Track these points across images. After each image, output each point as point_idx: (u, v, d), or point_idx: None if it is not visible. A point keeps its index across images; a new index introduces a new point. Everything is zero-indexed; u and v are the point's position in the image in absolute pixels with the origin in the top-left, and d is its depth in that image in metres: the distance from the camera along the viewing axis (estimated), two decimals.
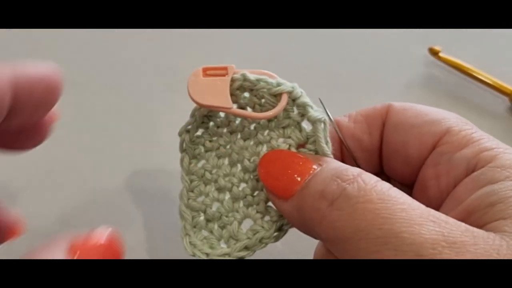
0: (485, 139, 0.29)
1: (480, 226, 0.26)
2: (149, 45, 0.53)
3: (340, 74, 0.51)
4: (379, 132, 0.33)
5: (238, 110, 0.31)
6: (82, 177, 0.44)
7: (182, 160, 0.33)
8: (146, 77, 0.50)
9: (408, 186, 0.33)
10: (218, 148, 0.33)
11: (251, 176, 0.32)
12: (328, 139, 0.31)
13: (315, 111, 0.31)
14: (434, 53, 0.52)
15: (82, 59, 0.51)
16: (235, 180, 0.32)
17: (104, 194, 0.43)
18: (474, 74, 0.50)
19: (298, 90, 0.30)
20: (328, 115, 0.33)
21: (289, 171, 0.29)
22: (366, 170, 0.32)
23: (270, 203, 0.32)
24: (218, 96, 0.30)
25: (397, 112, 0.32)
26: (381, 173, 0.34)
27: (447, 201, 0.29)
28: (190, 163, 0.33)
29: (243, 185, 0.32)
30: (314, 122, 0.30)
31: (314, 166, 0.29)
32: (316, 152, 0.31)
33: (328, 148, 0.31)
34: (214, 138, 0.33)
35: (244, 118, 0.32)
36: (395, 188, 0.27)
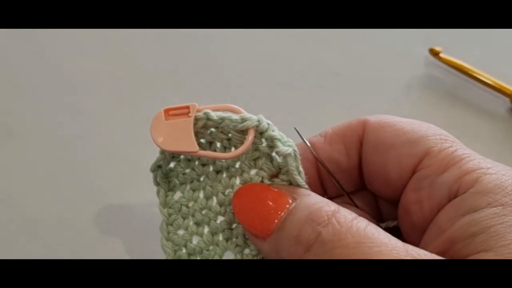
0: (467, 159, 0.29)
1: (463, 257, 0.26)
2: (148, 45, 0.53)
3: (339, 75, 0.51)
4: (357, 152, 0.32)
5: (204, 152, 0.31)
6: (81, 177, 0.44)
7: (158, 192, 0.33)
8: (145, 78, 0.50)
9: (393, 202, 0.33)
10: (192, 181, 0.33)
11: (227, 209, 0.32)
12: (301, 168, 0.30)
13: (284, 143, 0.30)
14: (434, 53, 0.51)
15: (82, 60, 0.51)
16: (211, 214, 0.32)
17: (103, 195, 0.43)
18: (475, 75, 0.50)
19: (264, 123, 0.30)
20: (305, 143, 0.32)
21: (264, 209, 0.29)
22: (347, 189, 0.33)
23: None
24: (183, 139, 0.30)
25: (374, 130, 0.32)
26: (364, 188, 0.34)
27: (431, 227, 0.29)
28: (166, 196, 0.33)
29: (220, 218, 0.32)
30: (283, 156, 0.30)
31: (289, 200, 0.29)
32: (290, 183, 0.30)
33: (301, 178, 0.30)
34: (187, 171, 0.33)
35: (211, 158, 0.32)
36: (372, 226, 0.27)
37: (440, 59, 0.51)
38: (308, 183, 0.31)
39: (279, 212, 0.28)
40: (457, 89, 0.51)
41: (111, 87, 0.49)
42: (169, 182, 0.33)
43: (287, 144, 0.30)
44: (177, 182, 0.33)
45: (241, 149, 0.30)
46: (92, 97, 0.48)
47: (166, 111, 0.30)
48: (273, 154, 0.30)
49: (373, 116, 0.32)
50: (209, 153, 0.31)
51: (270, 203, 0.29)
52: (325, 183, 0.34)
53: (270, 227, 0.28)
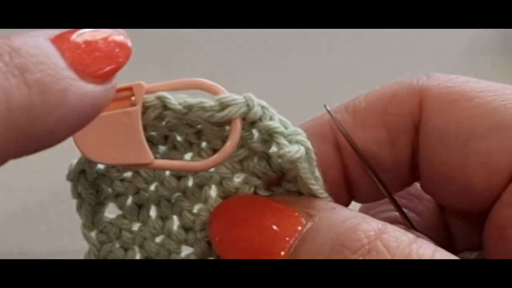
0: None
1: None
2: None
3: None
4: (409, 141, 0.25)
5: (164, 162, 0.23)
6: None
7: (79, 208, 0.25)
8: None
9: (471, 218, 0.26)
10: (137, 192, 0.25)
11: (198, 237, 0.24)
12: (318, 173, 0.23)
13: (289, 138, 0.22)
14: None
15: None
16: (172, 245, 0.24)
17: None
18: None
19: (256, 109, 0.22)
20: (342, 132, 0.24)
21: (262, 235, 0.22)
22: (393, 191, 0.26)
23: None
24: (126, 142, 0.22)
25: (439, 107, 0.24)
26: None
27: None
28: (94, 212, 0.25)
29: (186, 250, 0.25)
30: (291, 162, 0.22)
31: (302, 220, 0.22)
32: (300, 193, 0.23)
33: (320, 187, 0.23)
34: (127, 175, 0.25)
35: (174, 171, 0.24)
36: (443, 252, 0.20)
37: None
38: (330, 191, 0.23)
39: (287, 239, 0.22)
40: None
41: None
42: (97, 192, 0.25)
43: (295, 140, 0.22)
44: (110, 191, 0.25)
45: (223, 153, 0.22)
46: None
47: None
48: (271, 151, 0.23)
49: (434, 78, 0.24)
50: (172, 163, 0.23)
51: (272, 226, 0.22)
52: (353, 184, 0.26)
53: None
